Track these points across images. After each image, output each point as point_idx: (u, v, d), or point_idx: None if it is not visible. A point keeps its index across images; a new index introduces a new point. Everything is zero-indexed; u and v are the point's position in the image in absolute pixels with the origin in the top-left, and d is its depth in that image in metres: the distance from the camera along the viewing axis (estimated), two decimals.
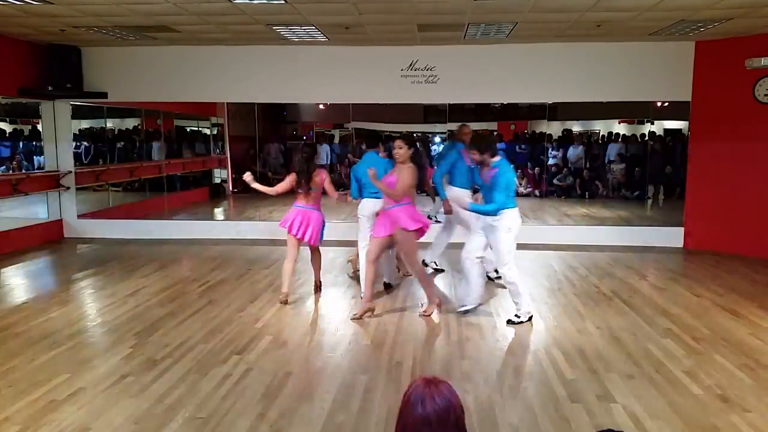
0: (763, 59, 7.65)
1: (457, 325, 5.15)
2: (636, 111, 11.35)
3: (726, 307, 5.62)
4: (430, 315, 5.35)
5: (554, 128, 11.76)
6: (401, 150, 5.15)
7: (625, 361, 4.33)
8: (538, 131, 12.22)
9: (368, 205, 5.92)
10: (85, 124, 10.33)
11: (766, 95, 7.70)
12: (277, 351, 4.54)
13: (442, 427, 1.67)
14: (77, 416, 3.47)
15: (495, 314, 5.45)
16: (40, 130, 9.38)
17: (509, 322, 5.16)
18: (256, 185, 5.56)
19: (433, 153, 11.51)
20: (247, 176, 5.53)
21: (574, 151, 11.94)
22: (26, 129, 10.87)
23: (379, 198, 5.52)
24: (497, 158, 5.01)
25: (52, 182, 9.14)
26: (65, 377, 4.01)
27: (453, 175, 6.30)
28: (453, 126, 9.67)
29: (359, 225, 6.10)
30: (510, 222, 5.02)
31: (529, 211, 10.65)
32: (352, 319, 5.23)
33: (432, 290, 5.50)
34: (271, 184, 5.77)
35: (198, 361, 4.30)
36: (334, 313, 5.53)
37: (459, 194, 6.20)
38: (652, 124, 11.42)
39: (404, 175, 5.13)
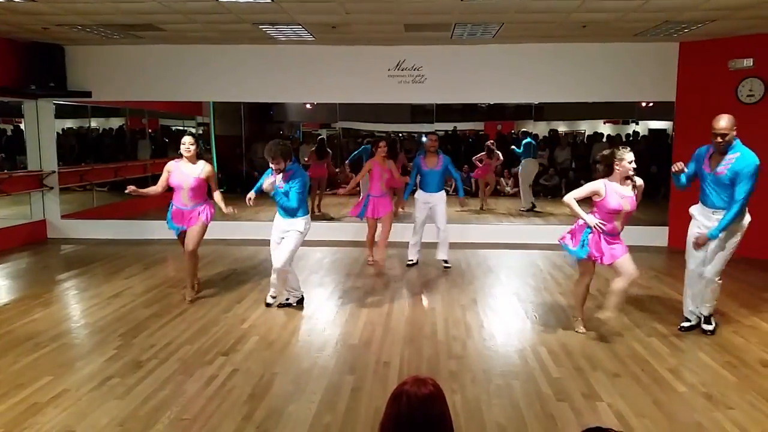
0: (745, 60, 7.76)
1: (444, 324, 5.17)
2: (621, 111, 11.44)
3: None
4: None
5: (540, 128, 11.83)
6: None
7: (611, 360, 4.36)
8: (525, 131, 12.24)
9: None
10: (69, 123, 10.19)
11: (749, 96, 7.79)
12: (264, 351, 4.52)
13: (428, 426, 1.67)
14: (61, 419, 3.43)
15: (482, 314, 5.47)
16: (23, 129, 9.26)
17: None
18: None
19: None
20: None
21: (561, 152, 12.01)
22: (8, 128, 10.69)
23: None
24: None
25: (35, 182, 9.04)
26: (48, 379, 3.96)
27: (420, 179, 7.19)
28: (440, 126, 9.69)
29: None
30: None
31: (515, 209, 10.72)
32: None
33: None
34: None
35: (183, 362, 4.28)
36: (322, 314, 5.51)
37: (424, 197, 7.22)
38: (637, 124, 11.52)
39: None
